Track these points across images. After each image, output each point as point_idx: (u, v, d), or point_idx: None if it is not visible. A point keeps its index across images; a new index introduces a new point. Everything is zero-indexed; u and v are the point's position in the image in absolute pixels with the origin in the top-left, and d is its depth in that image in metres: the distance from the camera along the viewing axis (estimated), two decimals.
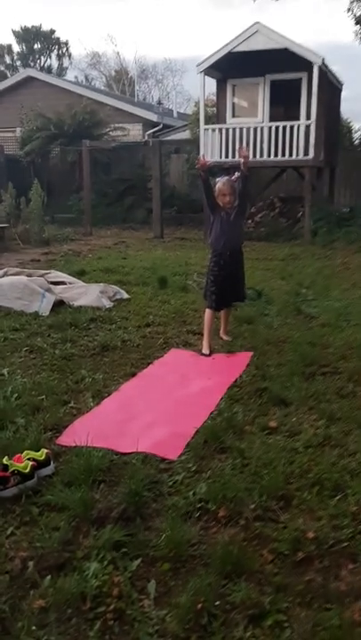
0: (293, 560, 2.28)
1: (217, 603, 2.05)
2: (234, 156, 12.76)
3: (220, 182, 4.97)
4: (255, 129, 12.68)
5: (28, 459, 2.83)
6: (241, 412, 3.64)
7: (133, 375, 4.35)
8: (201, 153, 13.04)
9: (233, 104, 14.00)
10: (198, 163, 5.10)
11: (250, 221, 14.38)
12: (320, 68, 12.16)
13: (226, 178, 5.00)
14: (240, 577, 2.17)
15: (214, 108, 14.88)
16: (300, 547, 2.34)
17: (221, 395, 3.94)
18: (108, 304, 6.40)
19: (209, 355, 4.79)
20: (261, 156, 12.71)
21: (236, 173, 4.91)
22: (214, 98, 14.96)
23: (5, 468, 2.75)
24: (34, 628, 1.96)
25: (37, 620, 2.00)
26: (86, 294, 6.55)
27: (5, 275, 6.95)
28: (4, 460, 2.79)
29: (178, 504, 2.63)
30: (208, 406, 3.74)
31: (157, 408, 3.82)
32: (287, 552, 2.32)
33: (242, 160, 4.88)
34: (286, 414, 3.63)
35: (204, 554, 2.32)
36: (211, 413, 3.62)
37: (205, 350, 4.84)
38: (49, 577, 2.18)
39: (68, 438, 3.27)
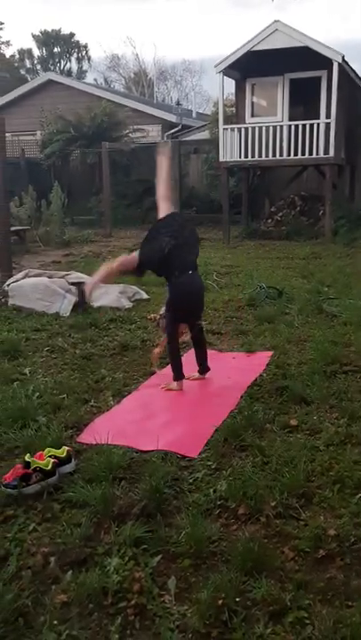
0: (315, 557, 2.27)
1: (238, 599, 2.05)
2: (253, 156, 12.74)
3: None
4: (275, 128, 12.63)
5: (50, 456, 2.86)
6: (261, 410, 3.62)
7: (153, 374, 4.37)
8: (220, 154, 13.04)
9: (252, 103, 13.97)
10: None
11: (270, 220, 14.33)
12: (340, 66, 12.07)
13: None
14: (261, 574, 2.17)
15: (233, 108, 14.86)
16: (322, 544, 2.33)
17: (241, 393, 3.93)
18: (127, 304, 6.43)
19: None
20: (281, 154, 12.66)
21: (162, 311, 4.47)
22: (233, 98, 14.94)
23: (27, 465, 2.78)
24: (56, 622, 1.98)
25: (59, 614, 2.02)
26: (106, 295, 6.58)
27: (27, 276, 7.02)
28: (27, 458, 2.82)
29: (198, 501, 2.63)
30: (228, 405, 3.74)
31: (177, 407, 3.82)
32: (308, 549, 2.31)
33: None
34: (307, 413, 3.61)
35: (224, 550, 2.32)
36: (231, 412, 3.62)
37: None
38: (70, 572, 2.20)
39: (88, 436, 3.30)
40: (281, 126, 12.71)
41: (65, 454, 2.91)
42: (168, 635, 1.93)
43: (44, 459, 2.82)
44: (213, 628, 1.95)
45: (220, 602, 2.01)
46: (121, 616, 2.01)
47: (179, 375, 4.08)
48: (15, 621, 1.99)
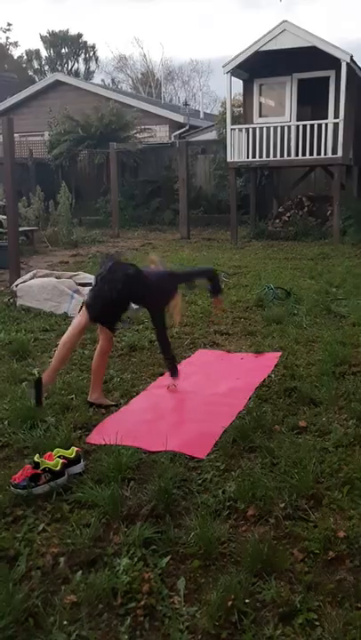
0: (324, 559, 2.27)
1: (247, 600, 2.05)
2: (261, 156, 12.72)
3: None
4: (282, 128, 12.61)
5: (59, 456, 2.86)
6: (270, 411, 3.62)
7: (161, 375, 4.37)
8: (228, 154, 13.03)
9: (260, 104, 13.94)
10: None
11: (278, 221, 14.31)
12: (348, 66, 12.02)
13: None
14: (270, 575, 2.16)
15: (241, 108, 14.84)
16: (331, 546, 2.32)
17: (250, 394, 3.93)
18: (135, 305, 6.42)
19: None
20: (289, 155, 12.63)
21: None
22: (241, 98, 14.92)
23: (37, 465, 2.78)
24: (65, 622, 1.99)
25: (69, 614, 2.02)
26: None
27: (35, 277, 7.04)
28: (36, 458, 2.83)
29: (207, 502, 2.63)
30: (236, 406, 3.74)
31: (185, 408, 3.82)
32: (318, 551, 2.30)
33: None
34: (316, 414, 3.60)
35: (233, 552, 2.31)
36: (239, 413, 3.62)
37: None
38: (80, 573, 2.21)
39: (97, 437, 3.30)
40: (289, 126, 12.69)
41: (74, 455, 2.92)
42: (178, 636, 1.93)
43: (53, 459, 2.83)
44: (223, 629, 1.95)
45: (230, 603, 2.01)
46: (130, 617, 2.01)
47: (175, 372, 4.09)
48: (25, 621, 1.99)
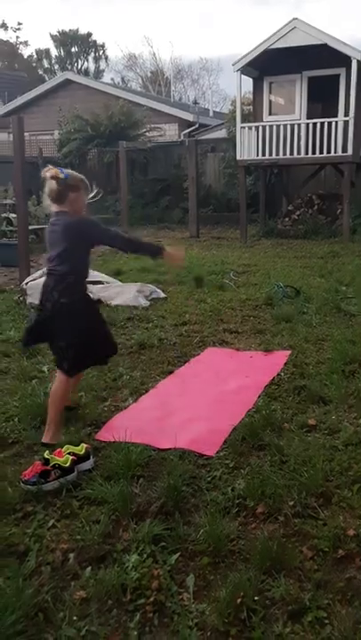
0: (334, 557, 2.26)
1: (256, 598, 2.04)
2: (271, 154, 12.69)
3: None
4: (292, 126, 12.56)
5: (69, 453, 2.87)
6: (279, 409, 3.62)
7: (170, 373, 4.37)
8: (238, 153, 13.01)
9: (270, 101, 13.89)
10: None
11: (287, 219, 14.26)
12: (359, 63, 11.96)
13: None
14: (280, 573, 2.16)
15: (251, 107, 14.80)
16: (341, 544, 2.32)
17: (259, 392, 3.92)
18: (144, 303, 6.44)
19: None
20: (299, 153, 12.59)
21: None
22: (251, 96, 14.88)
23: (46, 461, 2.80)
24: (75, 618, 2.00)
25: (78, 610, 2.03)
26: (123, 293, 6.60)
27: (44, 275, 7.07)
28: (45, 454, 2.84)
29: (216, 499, 2.63)
30: (246, 404, 3.73)
31: (195, 405, 3.82)
32: (327, 549, 2.30)
33: None
34: (325, 412, 3.59)
35: (243, 549, 2.31)
36: (248, 411, 3.61)
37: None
38: (89, 569, 2.22)
39: (107, 434, 3.31)
40: (299, 124, 12.64)
41: (83, 451, 2.92)
42: (187, 632, 1.93)
43: (63, 456, 2.84)
44: (232, 626, 1.95)
45: (239, 600, 2.01)
46: (140, 613, 2.02)
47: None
48: (35, 616, 2.00)
